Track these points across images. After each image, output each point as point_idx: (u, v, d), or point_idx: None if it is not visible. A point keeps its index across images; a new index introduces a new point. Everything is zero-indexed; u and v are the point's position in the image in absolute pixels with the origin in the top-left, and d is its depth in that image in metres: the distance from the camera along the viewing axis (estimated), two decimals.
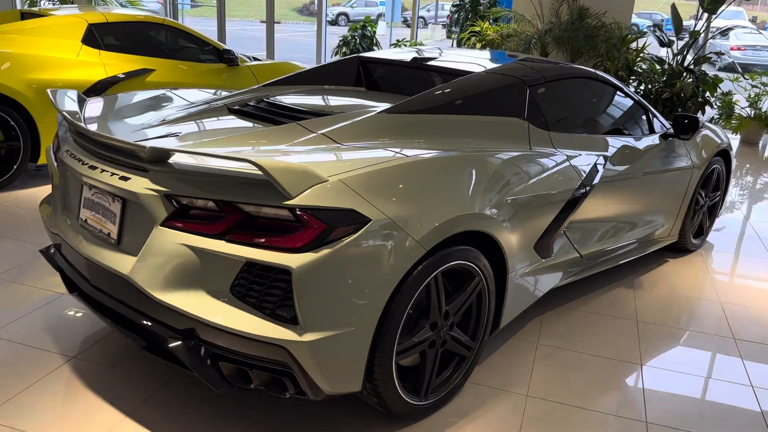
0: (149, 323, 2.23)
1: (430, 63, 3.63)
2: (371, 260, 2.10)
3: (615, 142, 3.57)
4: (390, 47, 10.97)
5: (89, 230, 2.46)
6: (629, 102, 3.89)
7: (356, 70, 3.78)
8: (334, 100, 3.25)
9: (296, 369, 2.06)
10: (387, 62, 3.78)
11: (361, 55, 3.84)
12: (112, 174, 2.28)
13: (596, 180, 3.24)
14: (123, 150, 2.29)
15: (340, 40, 11.26)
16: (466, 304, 2.58)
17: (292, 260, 1.99)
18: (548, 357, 3.07)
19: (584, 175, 3.15)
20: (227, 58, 6.16)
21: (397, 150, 2.45)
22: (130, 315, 2.30)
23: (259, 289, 2.06)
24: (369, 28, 11.11)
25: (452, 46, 10.89)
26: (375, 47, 11.05)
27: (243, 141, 2.49)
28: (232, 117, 2.85)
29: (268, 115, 2.82)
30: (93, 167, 2.37)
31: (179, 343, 2.15)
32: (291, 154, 2.32)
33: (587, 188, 3.15)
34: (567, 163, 3.10)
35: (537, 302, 3.48)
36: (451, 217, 2.32)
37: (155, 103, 3.13)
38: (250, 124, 2.73)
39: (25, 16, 6.04)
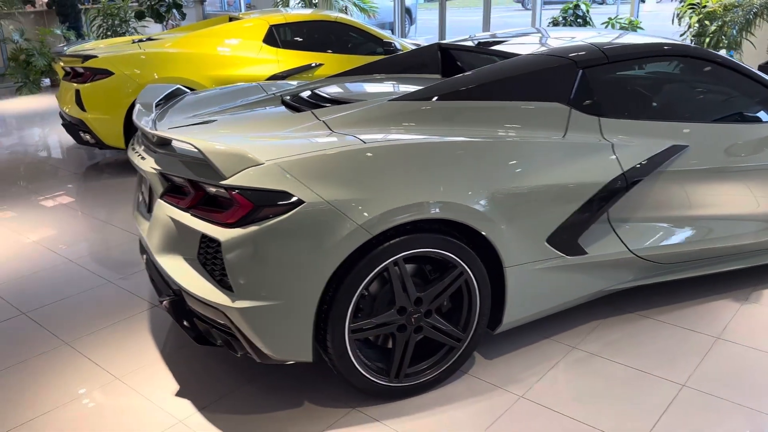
0: (162, 283, 2.66)
1: (507, 47, 3.51)
2: (305, 240, 2.24)
3: (707, 130, 3.08)
4: (601, 26, 10.27)
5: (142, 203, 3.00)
6: (746, 82, 3.28)
7: (437, 57, 3.80)
8: (378, 89, 3.35)
9: (236, 331, 2.31)
10: (464, 49, 3.73)
11: (440, 42, 3.84)
12: (139, 155, 2.76)
13: (657, 170, 2.87)
14: (147, 135, 2.75)
15: (550, 22, 10.87)
16: (446, 293, 2.54)
17: (222, 234, 2.24)
18: (576, 363, 2.83)
19: (635, 165, 2.81)
20: (387, 50, 6.51)
21: (385, 136, 2.52)
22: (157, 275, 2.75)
23: (212, 258, 2.35)
24: (583, 7, 10.53)
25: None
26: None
27: (247, 128, 2.78)
28: (275, 107, 3.15)
29: (306, 105, 3.06)
30: (134, 150, 2.87)
31: (168, 300, 2.54)
32: (271, 139, 2.55)
33: (636, 179, 2.81)
34: (609, 153, 2.80)
35: (598, 304, 3.21)
36: (403, 204, 2.32)
37: (234, 95, 3.57)
38: (280, 114, 3.00)
39: (232, 19, 7.08)
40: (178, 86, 3.61)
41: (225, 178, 2.24)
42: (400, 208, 2.32)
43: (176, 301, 2.51)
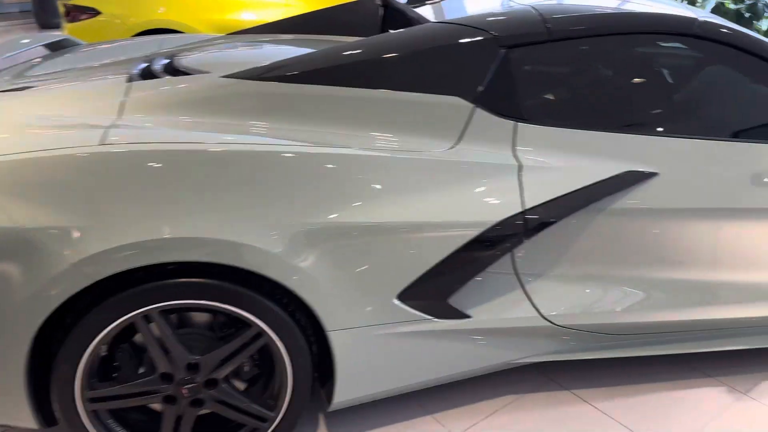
0: None
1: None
2: None
3: (698, 149, 2.06)
4: None
5: None
6: None
7: (377, 15, 2.93)
8: (266, 55, 2.56)
9: None
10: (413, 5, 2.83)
11: None
12: None
13: (595, 206, 1.94)
14: None
15: None
16: (236, 359, 1.83)
17: None
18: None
19: (548, 200, 1.89)
20: None
21: (164, 133, 1.81)
22: None
23: None
24: None
25: None
26: None
27: (44, 104, 2.13)
28: (118, 74, 2.45)
29: (164, 72, 2.34)
30: None
31: None
32: (38, 128, 1.90)
33: (547, 220, 1.90)
34: (512, 177, 1.90)
35: (523, 370, 2.35)
36: (138, 240, 1.62)
37: (122, 51, 2.92)
38: (105, 85, 2.32)
39: None
40: (67, 36, 3.03)
41: None
42: (132, 246, 1.62)
43: None
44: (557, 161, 1.96)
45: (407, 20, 2.73)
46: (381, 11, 2.92)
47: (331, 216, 1.76)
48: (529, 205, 1.87)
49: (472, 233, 1.83)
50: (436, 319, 1.93)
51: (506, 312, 2.01)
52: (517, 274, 2.01)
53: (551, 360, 2.19)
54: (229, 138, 1.80)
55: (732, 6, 8.16)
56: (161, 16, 5.20)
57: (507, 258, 1.97)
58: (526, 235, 1.88)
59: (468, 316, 1.97)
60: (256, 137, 1.84)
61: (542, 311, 2.03)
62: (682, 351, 2.26)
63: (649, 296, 2.10)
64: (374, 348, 1.92)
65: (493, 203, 1.86)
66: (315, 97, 1.95)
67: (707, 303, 2.15)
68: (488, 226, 1.84)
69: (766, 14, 8.17)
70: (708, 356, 2.47)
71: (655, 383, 2.38)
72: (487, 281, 2.00)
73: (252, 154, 1.75)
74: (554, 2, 2.43)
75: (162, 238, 1.63)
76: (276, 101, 1.95)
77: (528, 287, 2.02)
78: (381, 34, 2.15)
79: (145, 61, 2.42)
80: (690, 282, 2.12)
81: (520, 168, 1.91)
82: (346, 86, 1.96)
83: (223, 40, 2.86)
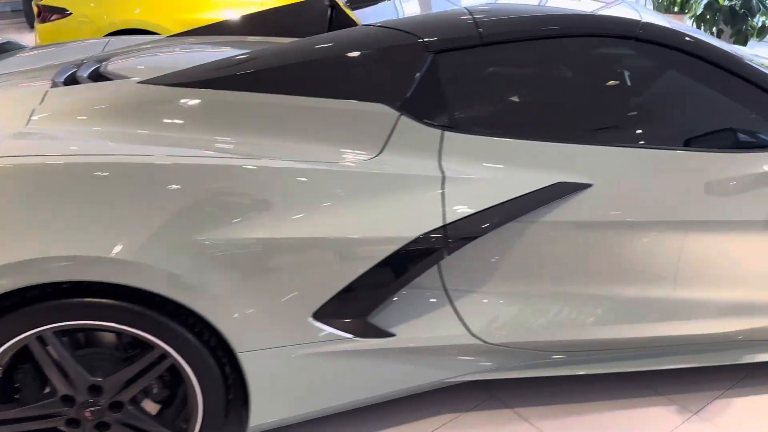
0: None
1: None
2: None
3: (638, 159, 1.95)
4: None
5: None
6: (728, 81, 2.04)
7: (325, 15, 2.83)
8: (196, 58, 2.46)
9: None
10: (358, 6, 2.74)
11: None
12: None
13: (524, 219, 1.83)
14: None
15: None
16: (142, 381, 1.74)
17: None
18: None
19: (471, 213, 1.79)
20: None
21: (67, 144, 1.72)
22: None
23: None
24: None
25: None
26: None
27: None
28: (46, 79, 2.37)
29: (92, 78, 2.26)
30: None
31: None
32: None
33: (469, 235, 1.79)
34: (435, 190, 1.80)
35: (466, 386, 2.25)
36: (25, 259, 1.53)
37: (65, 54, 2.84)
38: (27, 92, 2.23)
39: None
40: (9, 40, 2.95)
41: None
42: (14, 265, 1.53)
43: None
44: (485, 172, 1.85)
45: (354, 22, 2.63)
46: (329, 12, 2.82)
47: (237, 232, 1.66)
48: (450, 219, 1.76)
49: (389, 249, 1.73)
50: (357, 338, 1.84)
51: (434, 330, 1.91)
52: (445, 291, 1.92)
53: (491, 378, 2.09)
54: (128, 149, 1.71)
55: (726, 2, 8.02)
56: (131, 16, 5.12)
57: (433, 274, 1.87)
58: (449, 251, 1.78)
59: (392, 335, 1.87)
60: (162, 148, 1.74)
61: (472, 329, 1.93)
62: (630, 369, 2.16)
63: (586, 313, 1.99)
64: (292, 369, 1.82)
65: (413, 217, 1.76)
66: (231, 104, 1.86)
67: (650, 320, 2.04)
68: (405, 241, 1.73)
69: (761, 10, 8.02)
70: (663, 374, 2.36)
71: (603, 402, 2.28)
72: (413, 298, 1.90)
73: (150, 166, 1.65)
74: (500, 3, 2.33)
75: (47, 256, 1.54)
76: (190, 108, 1.86)
77: (457, 304, 1.93)
78: (305, 38, 2.05)
79: (74, 67, 2.33)
80: (630, 298, 2.01)
81: (443, 180, 1.81)
82: (265, 92, 1.87)
83: (165, 43, 2.77)
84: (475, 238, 1.79)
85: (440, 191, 1.80)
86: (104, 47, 2.85)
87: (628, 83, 2.07)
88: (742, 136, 1.97)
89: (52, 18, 5.11)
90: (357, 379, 1.92)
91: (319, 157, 1.79)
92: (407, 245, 1.74)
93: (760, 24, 7.88)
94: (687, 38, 2.00)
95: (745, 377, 2.36)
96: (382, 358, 1.91)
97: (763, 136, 2.00)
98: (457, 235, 1.77)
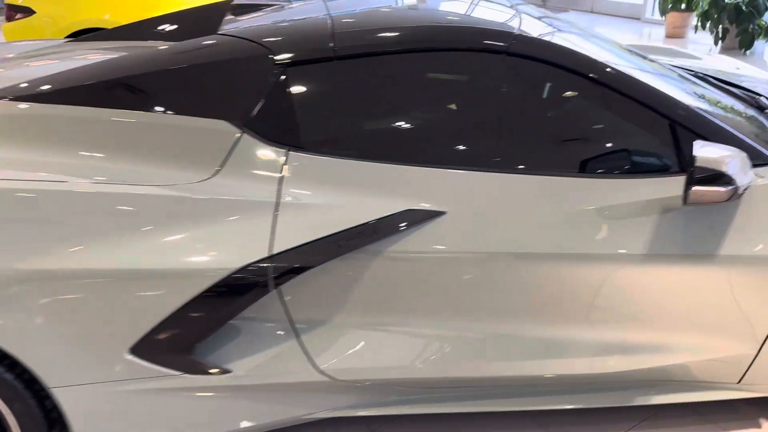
0: None
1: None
2: None
3: (502, 184, 1.76)
4: None
5: None
6: (610, 100, 1.83)
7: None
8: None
9: None
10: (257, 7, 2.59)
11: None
12: None
13: (365, 250, 1.67)
14: None
15: None
16: None
17: None
18: None
19: (300, 244, 1.63)
20: None
21: None
22: None
23: None
24: None
25: None
26: None
27: None
28: None
29: None
30: None
31: None
32: None
33: (300, 266, 1.63)
34: (266, 217, 1.65)
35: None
36: None
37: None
38: None
39: None
40: None
41: None
42: None
43: None
44: (328, 197, 1.70)
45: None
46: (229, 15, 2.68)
47: (43, 262, 1.54)
48: (278, 249, 1.62)
49: (208, 282, 1.59)
50: (185, 375, 1.71)
51: (277, 366, 1.77)
52: (291, 324, 1.77)
53: (350, 415, 1.94)
54: None
55: (730, 0, 7.68)
56: (94, 16, 5.05)
57: (276, 306, 1.73)
58: (274, 284, 1.63)
59: (227, 371, 1.73)
60: None
61: (319, 365, 1.78)
62: (512, 408, 1.98)
63: (443, 348, 1.82)
64: (117, 406, 1.70)
65: (237, 247, 1.62)
66: (60, 120, 1.74)
67: (518, 357, 1.85)
68: (226, 273, 1.59)
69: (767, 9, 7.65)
70: (555, 412, 2.19)
71: None
72: (256, 331, 1.77)
73: None
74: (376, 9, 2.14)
75: None
76: (18, 124, 1.75)
77: (304, 338, 1.78)
78: (148, 49, 1.92)
79: None
80: (492, 334, 1.83)
81: (277, 205, 1.66)
82: (99, 107, 1.75)
83: (59, 49, 2.66)
84: (305, 270, 1.64)
85: (272, 218, 1.65)
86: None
87: (495, 101, 1.87)
88: (620, 161, 1.78)
89: (17, 17, 5.07)
90: (194, 417, 1.79)
91: (145, 178, 1.66)
92: (228, 278, 1.60)
93: (767, 23, 7.51)
94: (564, 52, 1.81)
95: (649, 418, 2.17)
96: (222, 395, 1.77)
97: (647, 161, 1.81)
98: (284, 268, 1.62)
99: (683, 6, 8.47)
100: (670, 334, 1.91)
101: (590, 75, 1.80)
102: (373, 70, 1.82)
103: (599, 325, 1.84)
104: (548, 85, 1.85)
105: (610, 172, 1.79)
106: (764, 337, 1.91)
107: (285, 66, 1.77)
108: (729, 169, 1.58)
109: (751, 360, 1.95)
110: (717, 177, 1.57)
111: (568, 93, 1.84)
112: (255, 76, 1.77)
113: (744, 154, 1.67)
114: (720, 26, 7.74)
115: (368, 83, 1.83)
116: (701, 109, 1.88)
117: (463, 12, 2.04)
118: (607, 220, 1.76)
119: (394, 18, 1.97)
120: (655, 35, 9.17)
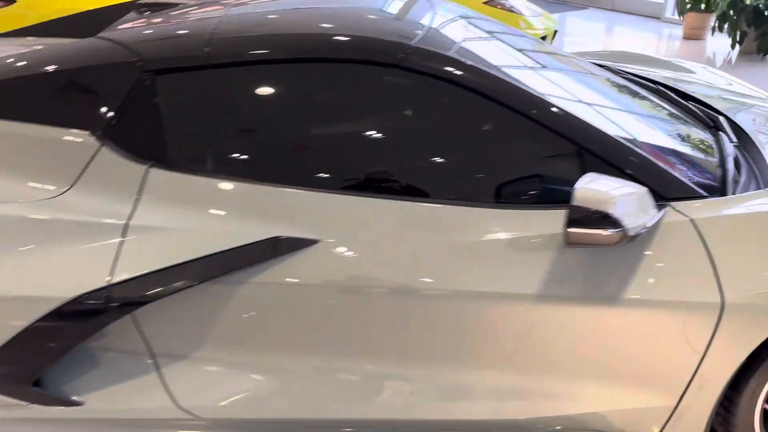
0: None
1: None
2: None
3: (378, 212, 1.58)
4: None
5: None
6: (514, 123, 1.62)
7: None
8: None
9: None
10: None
11: None
12: None
13: (222, 280, 1.52)
14: None
15: None
16: None
17: None
18: None
19: (146, 273, 1.47)
20: None
21: None
22: None
23: None
24: None
25: None
26: None
27: None
28: None
29: None
30: None
31: None
32: None
33: (140, 299, 1.48)
34: (113, 240, 1.50)
35: None
36: None
37: None
38: None
39: None
40: None
41: None
42: None
43: None
44: (186, 220, 1.54)
45: None
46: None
47: None
48: (118, 278, 1.47)
49: (39, 311, 1.46)
50: (32, 405, 1.58)
51: (133, 400, 1.63)
52: (152, 356, 1.63)
53: None
54: None
55: (749, 1, 7.31)
56: (79, 4, 4.96)
57: (134, 336, 1.59)
58: (112, 316, 1.49)
59: (78, 403, 1.60)
60: None
61: (179, 401, 1.63)
62: None
63: (312, 387, 1.66)
64: None
65: (75, 274, 1.48)
66: None
67: (393, 399, 1.68)
68: (58, 303, 1.46)
69: None
70: None
71: None
72: (113, 362, 1.63)
73: None
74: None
75: None
76: None
77: (165, 371, 1.63)
78: (17, 53, 1.78)
79: None
80: (366, 373, 1.65)
81: (126, 228, 1.52)
82: None
83: None
84: (147, 302, 1.49)
85: (118, 243, 1.50)
86: None
87: (383, 119, 1.69)
88: (519, 189, 1.59)
89: None
90: None
91: None
92: (61, 307, 1.46)
93: None
94: (466, 68, 1.62)
95: None
96: (74, 429, 1.64)
97: (549, 190, 1.61)
98: (122, 299, 1.47)
99: (702, 6, 8.09)
100: (580, 380, 1.71)
101: (492, 95, 1.61)
102: (249, 81, 1.66)
103: (493, 368, 1.65)
104: (445, 103, 1.65)
105: (506, 202, 1.60)
106: (683, 388, 1.71)
107: (153, 73, 1.62)
108: (616, 209, 1.37)
109: (671, 411, 1.75)
110: (601, 218, 1.37)
111: (467, 113, 1.64)
112: (120, 84, 1.62)
113: (643, 191, 1.46)
114: (738, 30, 7.37)
115: (243, 95, 1.67)
116: (622, 135, 1.67)
117: (368, 20, 1.84)
118: (500, 254, 1.57)
119: (284, 23, 1.79)
120: (674, 35, 8.80)
